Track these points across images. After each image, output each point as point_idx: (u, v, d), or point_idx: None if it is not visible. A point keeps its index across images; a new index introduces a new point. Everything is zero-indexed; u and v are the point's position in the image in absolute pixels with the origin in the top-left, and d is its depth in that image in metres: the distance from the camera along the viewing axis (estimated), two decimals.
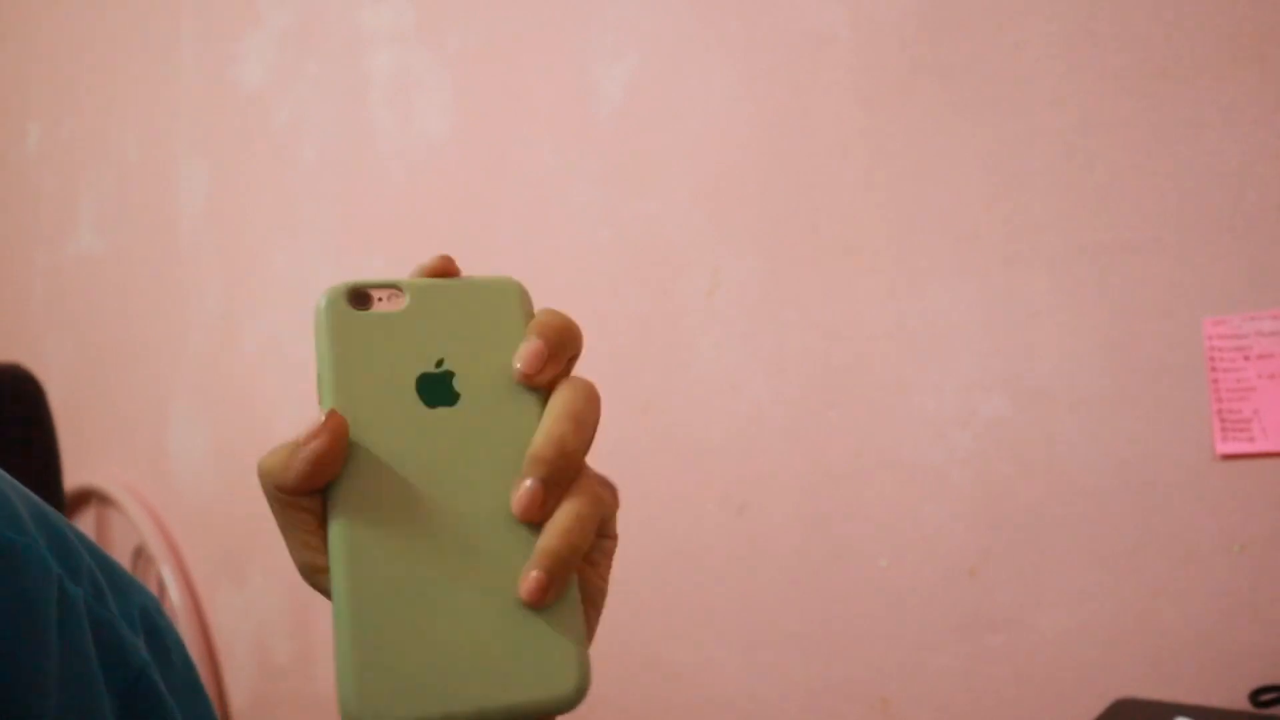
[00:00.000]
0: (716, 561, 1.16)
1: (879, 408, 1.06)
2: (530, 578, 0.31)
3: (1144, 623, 0.92)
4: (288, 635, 1.58)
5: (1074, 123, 0.96)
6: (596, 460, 0.35)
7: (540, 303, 0.36)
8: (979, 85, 1.01)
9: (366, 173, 1.51)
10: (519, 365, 0.34)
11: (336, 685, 0.30)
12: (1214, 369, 0.90)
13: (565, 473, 0.33)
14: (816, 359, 1.10)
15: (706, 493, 1.16)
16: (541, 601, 0.31)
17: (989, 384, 1.00)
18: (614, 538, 0.36)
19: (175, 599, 1.68)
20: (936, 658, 1.02)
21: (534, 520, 0.32)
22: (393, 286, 0.35)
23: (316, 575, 0.33)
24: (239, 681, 1.67)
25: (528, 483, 0.32)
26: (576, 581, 0.33)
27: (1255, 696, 0.85)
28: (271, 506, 0.33)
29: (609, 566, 0.36)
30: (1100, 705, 0.90)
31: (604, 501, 0.34)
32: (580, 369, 0.36)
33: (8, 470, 0.40)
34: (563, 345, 0.35)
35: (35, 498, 0.39)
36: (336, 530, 0.31)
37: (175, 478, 1.75)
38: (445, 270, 0.36)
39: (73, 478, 1.76)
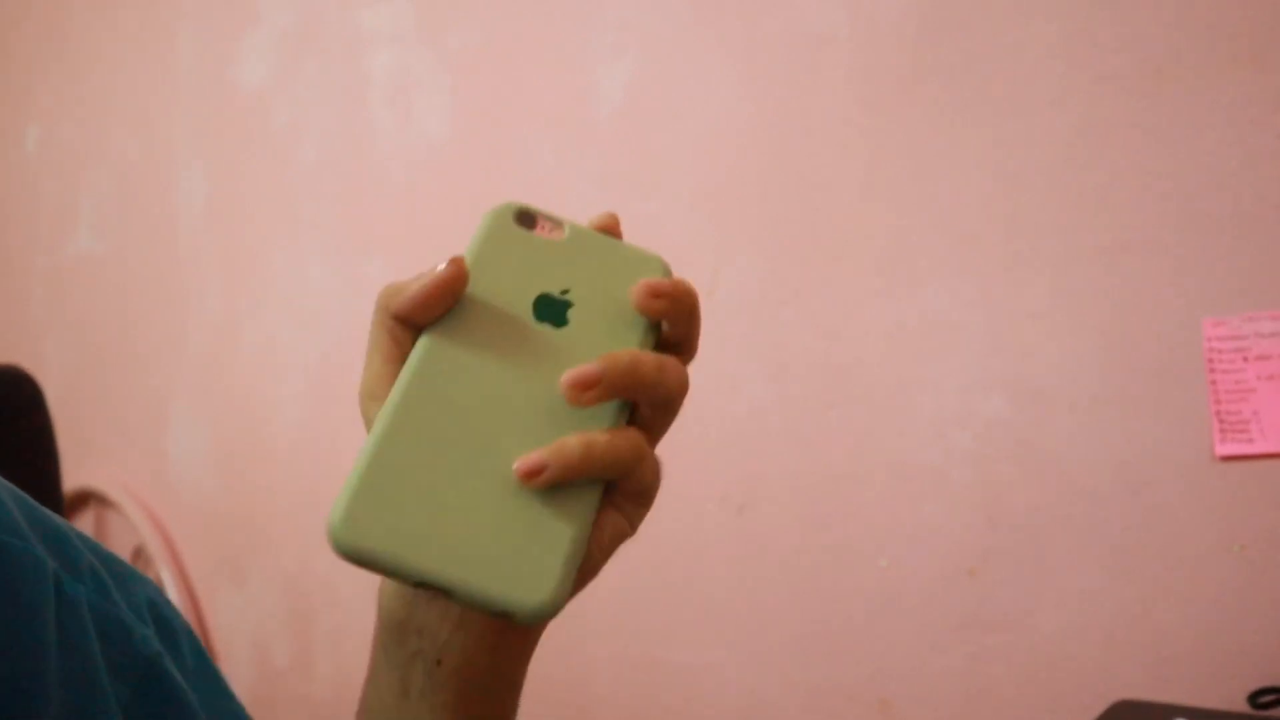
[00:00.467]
0: (716, 561, 1.16)
1: (878, 408, 1.06)
2: (530, 455, 0.31)
3: (1143, 623, 0.92)
4: (287, 636, 1.58)
5: (1073, 123, 0.96)
6: None
7: None
8: (978, 86, 1.01)
9: (366, 173, 1.51)
10: (641, 289, 0.35)
11: (337, 496, 0.31)
12: (1213, 370, 0.90)
13: (627, 387, 0.33)
14: (816, 359, 1.10)
15: (706, 493, 1.16)
16: (527, 478, 0.31)
17: (989, 384, 1.00)
18: (633, 526, 0.36)
19: (174, 600, 1.68)
20: (936, 658, 1.02)
21: (573, 401, 0.32)
22: (558, 223, 0.37)
23: (370, 403, 0.34)
24: (238, 682, 1.67)
25: (590, 365, 0.32)
26: (592, 505, 0.32)
27: (1254, 698, 0.85)
28: (372, 330, 0.35)
29: (638, 517, 0.36)
30: (1100, 706, 0.90)
31: (644, 456, 0.34)
32: None
33: (7, 471, 0.40)
34: (687, 314, 0.35)
35: (30, 500, 0.39)
36: (407, 371, 0.33)
37: (174, 479, 1.75)
38: (609, 227, 0.38)
39: (72, 479, 1.75)
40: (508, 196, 0.39)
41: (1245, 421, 0.88)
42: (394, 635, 0.37)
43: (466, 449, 0.32)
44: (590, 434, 0.32)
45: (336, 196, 1.55)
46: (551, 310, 0.35)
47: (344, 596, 1.50)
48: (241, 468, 1.65)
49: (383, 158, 1.49)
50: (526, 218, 0.37)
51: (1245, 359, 0.89)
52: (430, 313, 0.34)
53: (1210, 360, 0.90)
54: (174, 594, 1.69)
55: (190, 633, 0.43)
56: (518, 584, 0.31)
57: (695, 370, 0.36)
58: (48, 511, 0.39)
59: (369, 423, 0.34)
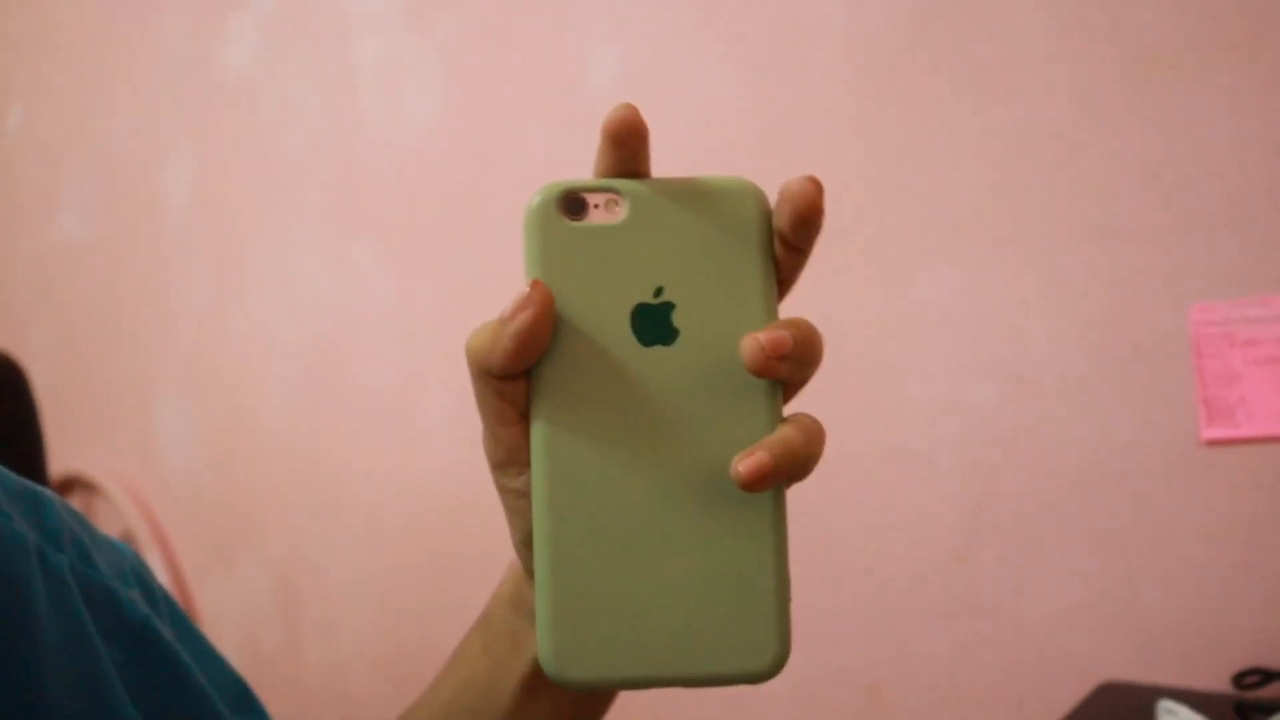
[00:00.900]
0: None
1: (867, 394, 1.06)
2: (754, 456, 0.29)
3: (1129, 607, 0.93)
4: (276, 621, 1.58)
5: (1064, 110, 0.97)
6: None
7: None
8: (969, 72, 1.01)
9: (354, 158, 1.50)
10: (754, 354, 0.30)
11: (538, 634, 0.30)
12: (1200, 355, 0.90)
13: (796, 470, 0.30)
14: None
15: None
16: (755, 485, 0.29)
17: (978, 370, 1.01)
18: None
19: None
20: (924, 643, 1.03)
21: (754, 487, 0.29)
22: (610, 190, 0.31)
23: (504, 476, 0.33)
24: None
25: (760, 453, 0.29)
26: (785, 542, 0.31)
27: (1239, 679, 0.86)
28: (476, 395, 0.32)
29: None
30: (1085, 688, 0.91)
31: (824, 434, 0.31)
32: None
33: None
34: (811, 361, 0.31)
35: (9, 473, 0.39)
36: (539, 469, 0.30)
37: (162, 465, 1.74)
38: (629, 119, 0.32)
39: (58, 465, 1.75)
40: (508, 184, 0.37)
41: (1231, 406, 0.89)
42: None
43: (634, 530, 0.30)
44: (785, 430, 0.30)
45: (325, 182, 1.54)
46: (655, 324, 0.31)
47: (333, 582, 1.50)
48: (230, 453, 1.65)
49: (371, 143, 1.48)
50: (574, 204, 0.31)
51: (1232, 344, 0.89)
52: (530, 358, 0.30)
53: (1197, 345, 0.91)
54: (162, 580, 1.67)
55: (168, 597, 0.44)
56: (742, 653, 0.30)
57: None
58: (28, 482, 0.39)
59: (506, 495, 0.33)
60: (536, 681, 0.37)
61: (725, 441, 0.30)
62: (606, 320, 0.31)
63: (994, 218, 1.00)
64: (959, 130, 1.02)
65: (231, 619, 1.65)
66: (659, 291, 0.31)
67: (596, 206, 0.31)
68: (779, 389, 0.32)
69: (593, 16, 1.26)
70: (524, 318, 0.30)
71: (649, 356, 0.31)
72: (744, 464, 0.29)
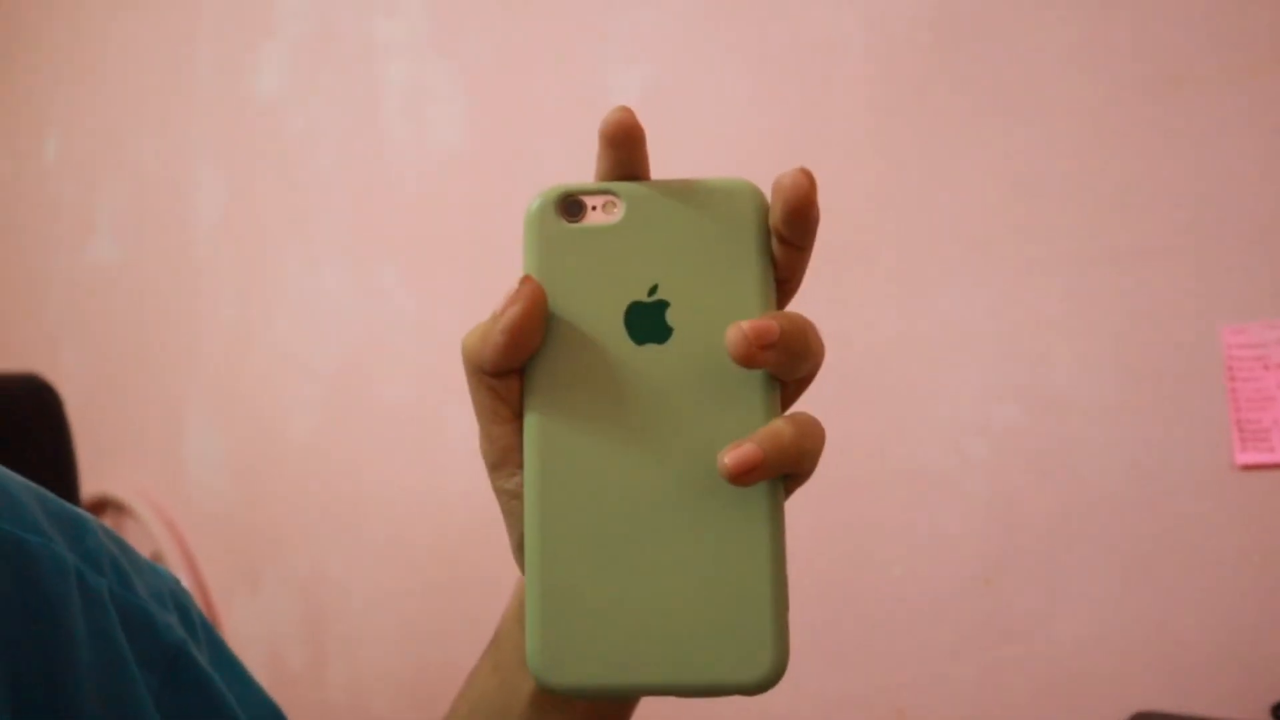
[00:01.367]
0: None
1: (892, 416, 1.05)
2: (741, 448, 0.28)
3: (1162, 633, 0.91)
4: (301, 642, 1.58)
5: (1089, 129, 0.96)
6: None
7: None
8: (992, 92, 1.01)
9: (380, 182, 1.52)
10: (738, 343, 0.29)
11: (526, 636, 0.30)
12: (1233, 378, 0.89)
13: (785, 463, 0.29)
14: (829, 366, 1.09)
15: None
16: (741, 478, 0.28)
17: (1003, 392, 1.00)
18: None
19: None
20: (952, 668, 1.01)
21: (741, 479, 0.28)
22: (608, 193, 0.31)
23: (499, 476, 0.32)
24: None
25: (748, 445, 0.28)
26: (783, 549, 0.30)
27: (1277, 710, 0.84)
28: (471, 394, 0.32)
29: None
30: (1118, 717, 0.89)
31: (823, 433, 0.30)
32: None
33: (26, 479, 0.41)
34: (801, 355, 0.30)
35: (51, 496, 0.39)
36: (530, 468, 0.30)
37: (190, 486, 1.76)
38: (625, 121, 0.31)
39: (89, 486, 1.77)
40: (524, 196, 0.36)
41: (1266, 430, 0.88)
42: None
43: (625, 530, 0.29)
44: (776, 423, 0.29)
45: (351, 205, 1.55)
46: (648, 322, 0.31)
47: (358, 602, 1.50)
48: (257, 475, 1.66)
49: (397, 166, 1.49)
50: (572, 206, 0.31)
51: (1266, 367, 0.88)
52: (522, 354, 0.30)
53: (1230, 368, 0.89)
54: None
55: (206, 623, 0.44)
56: (736, 662, 0.29)
57: None
58: (68, 505, 0.40)
59: (501, 497, 0.32)
60: (546, 699, 0.36)
61: (719, 440, 0.29)
62: (600, 319, 0.31)
63: (1018, 238, 0.99)
64: (982, 150, 1.01)
65: (257, 639, 1.65)
66: (653, 290, 0.31)
67: (594, 209, 0.32)
68: (775, 388, 0.31)
69: (615, 39, 1.27)
70: (514, 311, 0.30)
71: (642, 355, 0.30)
72: (730, 455, 0.28)
